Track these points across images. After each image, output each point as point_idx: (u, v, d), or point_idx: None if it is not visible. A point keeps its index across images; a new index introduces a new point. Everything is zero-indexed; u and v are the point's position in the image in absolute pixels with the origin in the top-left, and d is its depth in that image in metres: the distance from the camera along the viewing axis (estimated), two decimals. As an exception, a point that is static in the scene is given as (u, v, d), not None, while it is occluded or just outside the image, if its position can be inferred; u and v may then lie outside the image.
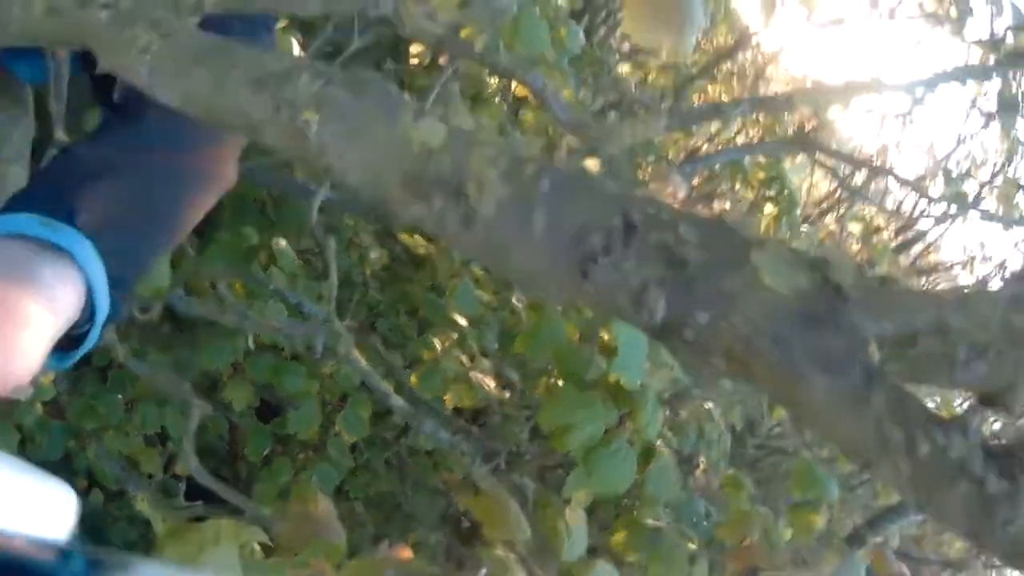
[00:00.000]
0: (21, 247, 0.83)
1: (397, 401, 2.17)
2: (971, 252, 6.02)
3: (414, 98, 0.40)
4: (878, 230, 4.93)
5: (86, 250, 0.86)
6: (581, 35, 2.33)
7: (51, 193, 0.92)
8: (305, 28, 2.70)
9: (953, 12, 2.50)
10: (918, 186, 3.14)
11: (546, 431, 1.88)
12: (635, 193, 0.32)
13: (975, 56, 1.72)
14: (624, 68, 3.42)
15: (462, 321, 2.76)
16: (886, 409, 0.30)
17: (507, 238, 0.33)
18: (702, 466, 3.09)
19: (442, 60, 2.26)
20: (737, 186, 4.11)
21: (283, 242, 2.69)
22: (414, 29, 0.90)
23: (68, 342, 0.89)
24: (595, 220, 0.32)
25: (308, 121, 0.40)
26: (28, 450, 2.57)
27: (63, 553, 0.48)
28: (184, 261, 2.24)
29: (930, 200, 4.45)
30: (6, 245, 0.83)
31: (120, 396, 2.66)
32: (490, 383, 2.64)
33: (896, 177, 3.64)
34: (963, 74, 1.40)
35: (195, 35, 0.52)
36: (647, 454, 1.99)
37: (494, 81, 2.95)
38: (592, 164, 2.17)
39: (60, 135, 1.30)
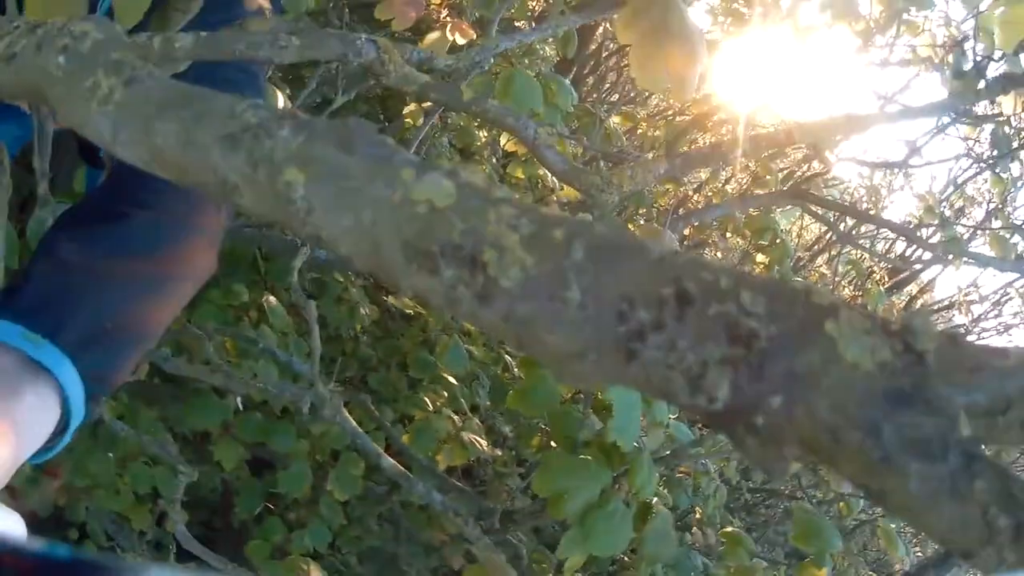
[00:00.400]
0: (7, 359, 0.82)
1: (387, 461, 2.12)
2: (966, 291, 6.02)
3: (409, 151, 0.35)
4: (871, 273, 4.93)
5: (67, 372, 0.85)
6: (572, 91, 2.32)
7: (36, 303, 0.90)
8: (292, 81, 2.69)
9: (950, 59, 2.49)
10: (910, 234, 3.12)
11: (541, 497, 1.84)
12: (684, 256, 0.28)
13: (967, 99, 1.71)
14: (615, 119, 3.40)
15: (453, 379, 2.73)
16: (990, 494, 0.25)
17: (535, 315, 0.28)
18: (698, 516, 3.06)
19: (433, 116, 2.23)
20: (728, 234, 4.09)
21: (273, 299, 2.66)
22: (398, 77, 0.87)
23: None
24: (641, 291, 0.27)
25: (291, 182, 0.34)
26: (18, 505, 2.51)
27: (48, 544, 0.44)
28: (173, 321, 2.20)
29: (922, 247, 4.44)
30: None
31: (111, 455, 2.60)
32: (482, 441, 2.61)
33: (888, 225, 3.63)
34: (949, 107, 1.38)
35: (162, 83, 0.46)
36: (644, 513, 1.95)
37: (483, 135, 2.93)
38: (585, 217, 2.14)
39: (44, 192, 1.26)
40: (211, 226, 1.09)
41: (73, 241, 0.97)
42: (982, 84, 1.42)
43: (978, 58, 1.44)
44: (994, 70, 1.54)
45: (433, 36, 1.97)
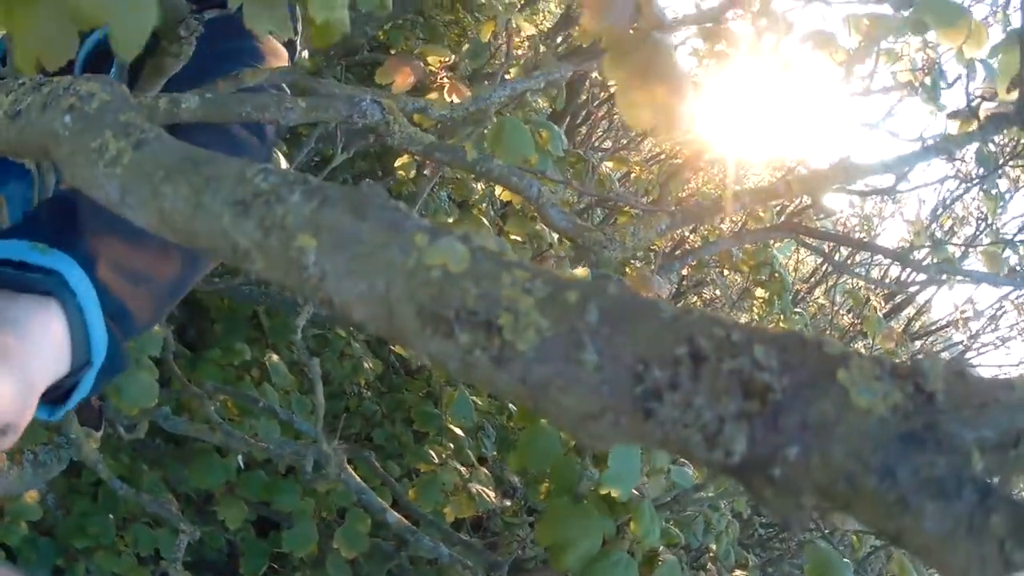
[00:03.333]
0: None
1: (393, 517, 2.10)
2: (962, 309, 6.04)
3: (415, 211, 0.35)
4: (867, 300, 4.93)
5: (77, 276, 0.81)
6: (563, 137, 2.33)
7: (53, 223, 0.86)
8: (290, 140, 2.71)
9: (928, 81, 2.51)
10: (904, 258, 3.13)
11: (543, 549, 1.83)
12: (695, 313, 0.28)
13: (952, 124, 1.72)
14: (608, 164, 3.42)
15: (459, 431, 2.71)
16: (1006, 528, 0.25)
17: (552, 377, 0.28)
18: (711, 553, 3.03)
19: (427, 170, 2.25)
20: (726, 272, 4.10)
21: (275, 357, 2.66)
22: (403, 138, 0.88)
23: (59, 395, 0.82)
24: (656, 351, 0.27)
25: (303, 248, 0.35)
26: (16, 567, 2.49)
27: None
28: (173, 379, 2.20)
29: (916, 270, 4.46)
30: None
31: (111, 515, 2.58)
32: (490, 492, 2.59)
33: (881, 251, 3.65)
34: (944, 149, 1.39)
35: (170, 146, 0.46)
36: (650, 561, 1.94)
37: (481, 187, 2.95)
38: (582, 271, 2.15)
39: None
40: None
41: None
42: (975, 125, 1.43)
43: (972, 99, 1.46)
44: (985, 108, 1.55)
45: (430, 97, 1.99)
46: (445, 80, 2.03)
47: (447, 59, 2.12)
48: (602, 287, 0.28)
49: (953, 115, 1.54)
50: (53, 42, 0.70)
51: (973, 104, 1.48)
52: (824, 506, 0.26)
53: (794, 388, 0.26)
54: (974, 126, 1.44)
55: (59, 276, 0.80)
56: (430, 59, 2.09)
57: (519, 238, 2.90)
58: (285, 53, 1.20)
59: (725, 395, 0.26)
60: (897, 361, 0.27)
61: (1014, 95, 1.33)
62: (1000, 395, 0.28)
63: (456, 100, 2.00)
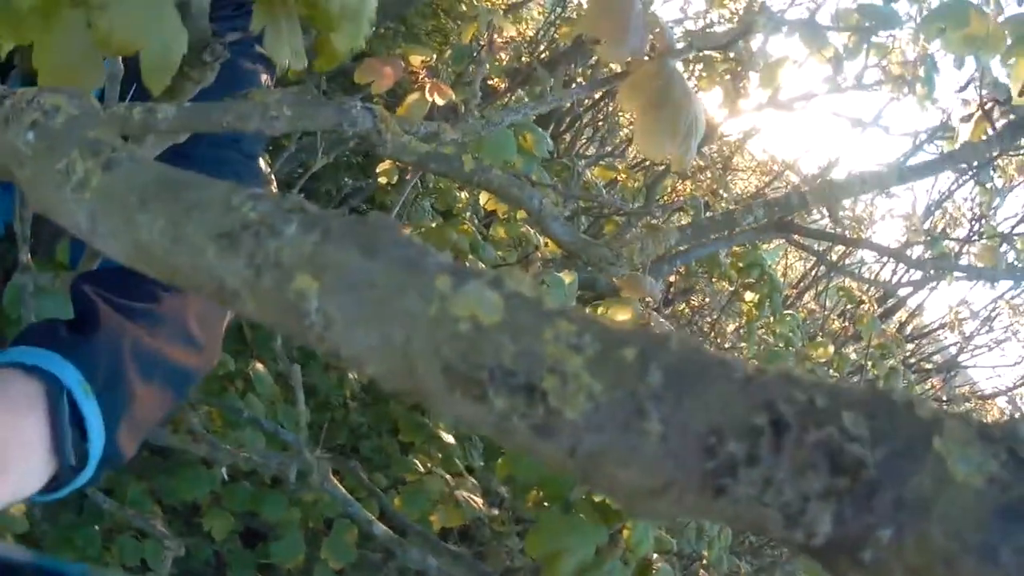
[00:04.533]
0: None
1: (380, 528, 2.07)
2: (956, 311, 6.06)
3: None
4: (861, 302, 4.93)
5: (72, 377, 0.79)
6: (548, 140, 2.31)
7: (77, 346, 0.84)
8: (270, 149, 2.67)
9: (921, 73, 2.49)
10: (899, 254, 3.11)
11: (535, 559, 1.81)
12: (773, 373, 0.24)
13: (964, 128, 1.70)
14: (593, 172, 3.40)
15: (448, 438, 2.68)
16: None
17: (607, 449, 0.24)
18: (704, 560, 3.01)
19: (408, 175, 2.22)
20: (714, 280, 4.08)
21: (260, 367, 2.62)
22: (395, 147, 0.84)
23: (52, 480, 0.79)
24: (731, 419, 0.23)
25: (303, 291, 0.30)
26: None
27: None
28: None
29: (912, 267, 4.45)
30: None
31: (97, 528, 2.55)
32: (477, 500, 2.56)
33: (876, 248, 3.62)
34: (962, 158, 1.37)
35: (145, 167, 0.41)
36: (643, 570, 1.92)
37: (464, 196, 2.92)
38: (567, 276, 2.13)
39: (25, 259, 1.24)
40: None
41: (109, 304, 0.90)
42: (990, 132, 1.41)
43: (986, 104, 1.43)
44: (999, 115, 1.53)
45: (413, 97, 1.96)
46: (426, 80, 2.00)
47: (428, 59, 2.09)
48: (663, 342, 0.24)
49: (965, 119, 1.52)
50: (78, 70, 0.67)
51: (987, 108, 1.46)
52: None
53: (888, 460, 0.23)
54: (988, 131, 1.42)
55: (52, 375, 0.78)
56: (411, 59, 2.05)
57: (504, 236, 2.87)
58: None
59: (811, 470, 0.23)
60: (987, 423, 0.24)
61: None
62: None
63: (439, 100, 1.97)
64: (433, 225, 2.94)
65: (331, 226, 0.30)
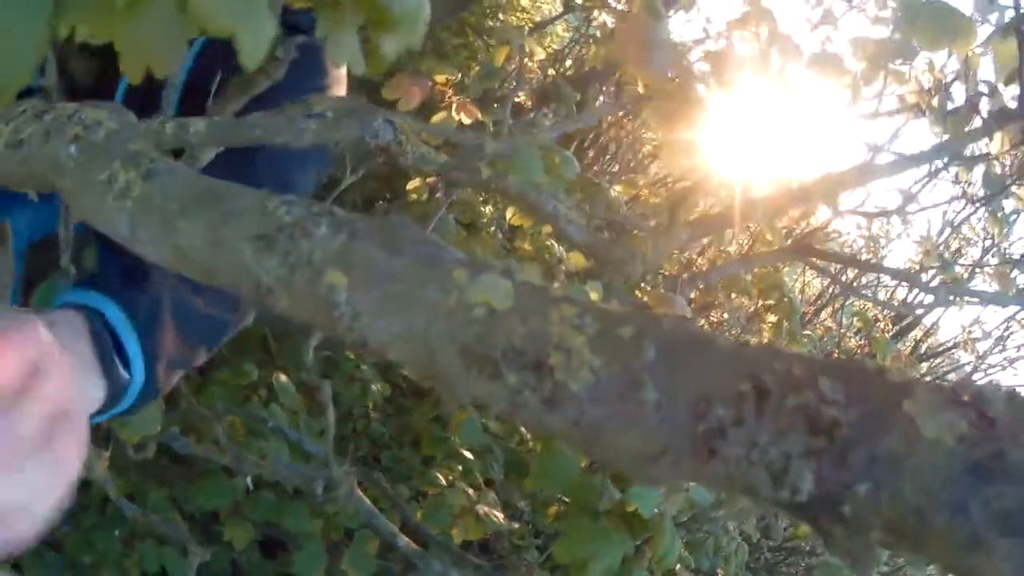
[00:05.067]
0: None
1: (402, 540, 2.08)
2: (969, 330, 6.01)
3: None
4: (876, 321, 4.91)
5: (113, 312, 0.88)
6: (575, 163, 2.33)
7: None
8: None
9: (935, 103, 2.50)
10: (912, 278, 3.11)
11: (562, 565, 1.82)
12: (755, 346, 0.27)
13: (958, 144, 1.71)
14: (616, 188, 3.41)
15: (467, 454, 2.70)
16: (1082, 568, 0.24)
17: (607, 418, 0.27)
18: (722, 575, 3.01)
19: (439, 194, 2.24)
20: (733, 296, 4.08)
21: (283, 377, 2.65)
22: (415, 158, 0.86)
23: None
24: (718, 388, 0.26)
25: (333, 286, 0.33)
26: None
27: None
28: (182, 399, 2.19)
29: (924, 291, 4.44)
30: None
31: (117, 532, 2.57)
32: (498, 514, 2.57)
33: (889, 272, 3.63)
34: (952, 147, 1.38)
35: (184, 176, 0.44)
36: (668, 582, 1.93)
37: (489, 210, 2.94)
38: (592, 290, 2.14)
39: (65, 261, 1.27)
40: None
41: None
42: (976, 122, 1.43)
43: (970, 94, 1.44)
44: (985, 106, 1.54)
45: (439, 116, 1.98)
46: (453, 99, 2.02)
47: (455, 77, 2.11)
48: (656, 321, 0.27)
49: (953, 112, 1.53)
50: (163, 50, 0.69)
51: (972, 99, 1.47)
52: (893, 544, 0.25)
53: (861, 421, 0.25)
54: (976, 122, 1.43)
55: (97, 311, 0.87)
56: (437, 78, 2.08)
57: (528, 248, 2.89)
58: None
59: (791, 431, 0.25)
60: (957, 387, 0.26)
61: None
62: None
63: (465, 119, 2.00)
64: (459, 239, 2.97)
65: (358, 227, 0.33)
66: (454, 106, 1.98)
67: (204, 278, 0.41)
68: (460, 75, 2.17)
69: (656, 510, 1.78)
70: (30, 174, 0.53)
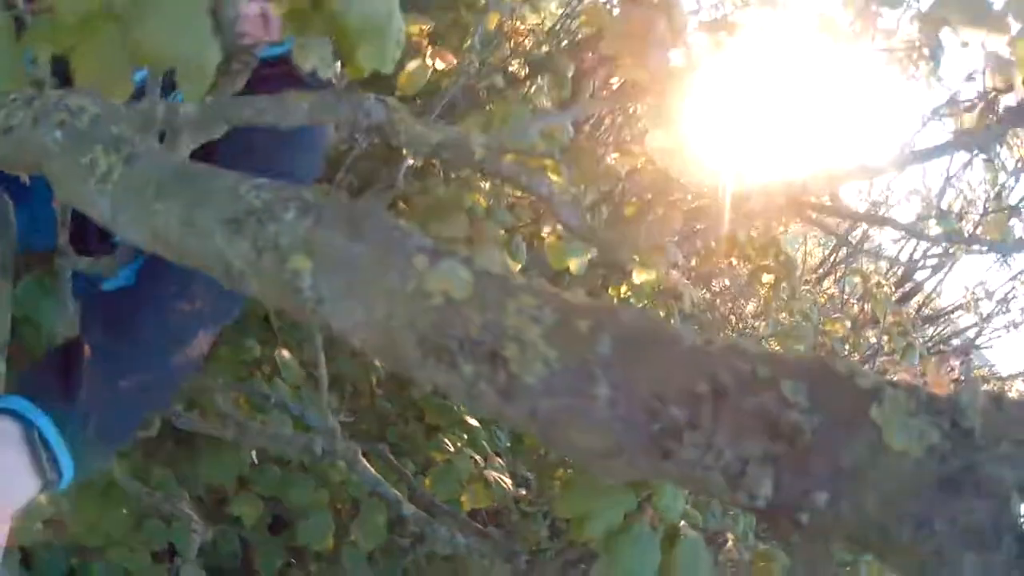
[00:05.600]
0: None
1: (410, 509, 2.09)
2: (972, 291, 6.00)
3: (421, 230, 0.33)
4: (878, 285, 4.90)
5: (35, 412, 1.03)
6: (570, 127, 2.31)
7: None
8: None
9: (926, 52, 2.48)
10: (914, 229, 3.10)
11: (563, 520, 1.82)
12: (719, 344, 0.26)
13: (968, 118, 1.69)
14: (613, 156, 3.39)
15: (473, 422, 2.69)
16: (1047, 582, 0.24)
17: (561, 412, 0.26)
18: (730, 542, 3.01)
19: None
20: (733, 261, 4.07)
21: (286, 353, 2.64)
22: (408, 138, 0.86)
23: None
24: (674, 386, 0.25)
25: (298, 271, 0.32)
26: (29, 567, 2.49)
27: None
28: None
29: (927, 242, 4.42)
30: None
31: (124, 511, 2.57)
32: (506, 480, 2.57)
33: (889, 223, 3.62)
34: (963, 144, 1.37)
35: (162, 160, 0.44)
36: (672, 537, 1.93)
37: (487, 186, 2.92)
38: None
39: (64, 241, 1.29)
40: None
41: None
42: (993, 119, 1.41)
43: (987, 92, 1.42)
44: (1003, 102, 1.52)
45: (413, 64, 1.98)
46: (428, 46, 2.02)
47: (427, 27, 2.09)
48: (616, 314, 0.26)
49: (969, 108, 1.51)
50: (111, 75, 0.70)
51: (989, 98, 1.45)
52: (855, 552, 0.25)
53: (825, 428, 0.24)
54: (991, 120, 1.42)
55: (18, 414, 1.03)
56: (411, 29, 2.06)
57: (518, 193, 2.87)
58: None
59: (749, 435, 0.24)
60: (933, 392, 0.25)
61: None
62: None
63: (441, 65, 2.00)
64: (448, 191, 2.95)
65: (323, 212, 0.33)
66: (428, 52, 1.97)
67: (179, 260, 0.41)
68: (432, 26, 2.15)
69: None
70: (20, 159, 0.55)
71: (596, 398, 0.26)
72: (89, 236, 1.34)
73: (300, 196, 0.35)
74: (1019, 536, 0.24)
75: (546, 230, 2.53)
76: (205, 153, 1.21)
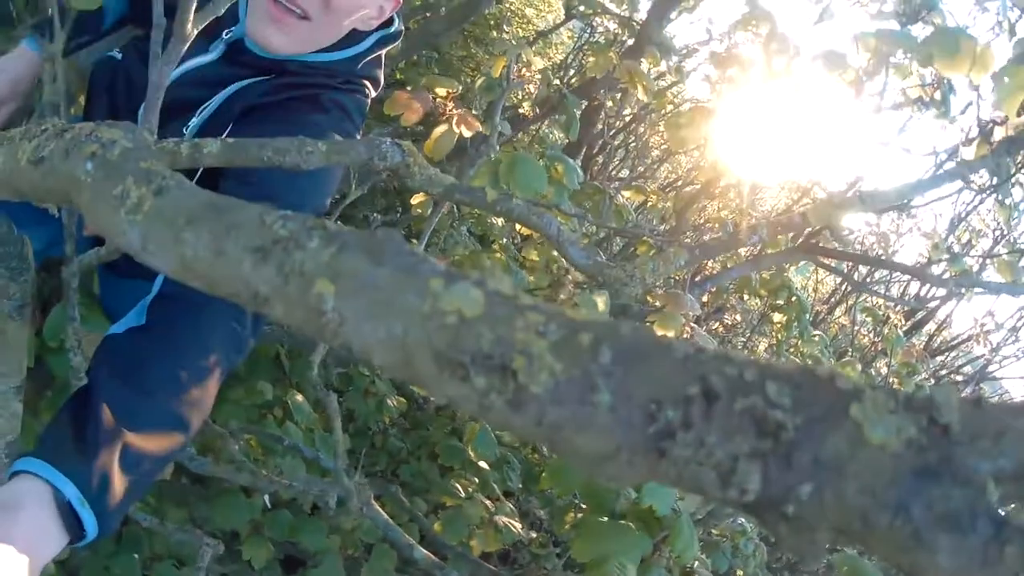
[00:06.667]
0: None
1: (420, 553, 2.09)
2: (982, 322, 5.99)
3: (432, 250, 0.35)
4: (887, 318, 4.90)
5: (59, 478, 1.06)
6: (579, 170, 2.33)
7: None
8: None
9: (937, 96, 2.50)
10: (922, 273, 3.11)
11: (580, 563, 1.82)
12: (708, 352, 0.28)
13: (967, 151, 1.71)
14: (625, 194, 3.42)
15: (484, 464, 2.70)
16: (1020, 559, 0.26)
17: (566, 419, 0.28)
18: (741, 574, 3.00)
19: (444, 208, 2.25)
20: (745, 297, 4.09)
21: (299, 396, 2.66)
22: (423, 180, 0.88)
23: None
24: (669, 391, 0.28)
25: (322, 294, 0.35)
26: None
27: None
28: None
29: (934, 284, 4.43)
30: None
31: (136, 555, 2.58)
32: (516, 524, 2.57)
33: (899, 268, 3.64)
34: (958, 174, 1.39)
35: (191, 192, 0.46)
36: (686, 576, 1.94)
37: (500, 221, 2.95)
38: (600, 298, 2.15)
39: (69, 251, 1.31)
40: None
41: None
42: (987, 149, 1.43)
43: (984, 124, 1.45)
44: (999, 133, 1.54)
45: (440, 130, 1.99)
46: (454, 112, 2.03)
47: (455, 90, 2.11)
48: (616, 328, 0.28)
49: (967, 142, 1.54)
50: None
51: (986, 130, 1.48)
52: (840, 541, 0.26)
53: (807, 425, 0.26)
54: (986, 151, 1.44)
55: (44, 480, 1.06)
56: (438, 90, 2.09)
57: (536, 259, 2.90)
58: None
59: (738, 433, 0.27)
60: (911, 392, 0.27)
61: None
62: (1017, 423, 0.28)
63: (466, 132, 2.01)
64: (467, 252, 2.98)
65: (346, 239, 0.36)
66: (455, 119, 1.99)
67: (207, 287, 0.43)
68: (460, 87, 2.17)
69: (672, 508, 1.79)
70: (50, 189, 0.57)
71: (598, 404, 0.28)
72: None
73: (323, 225, 0.37)
74: (994, 519, 0.26)
75: (561, 296, 2.56)
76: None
